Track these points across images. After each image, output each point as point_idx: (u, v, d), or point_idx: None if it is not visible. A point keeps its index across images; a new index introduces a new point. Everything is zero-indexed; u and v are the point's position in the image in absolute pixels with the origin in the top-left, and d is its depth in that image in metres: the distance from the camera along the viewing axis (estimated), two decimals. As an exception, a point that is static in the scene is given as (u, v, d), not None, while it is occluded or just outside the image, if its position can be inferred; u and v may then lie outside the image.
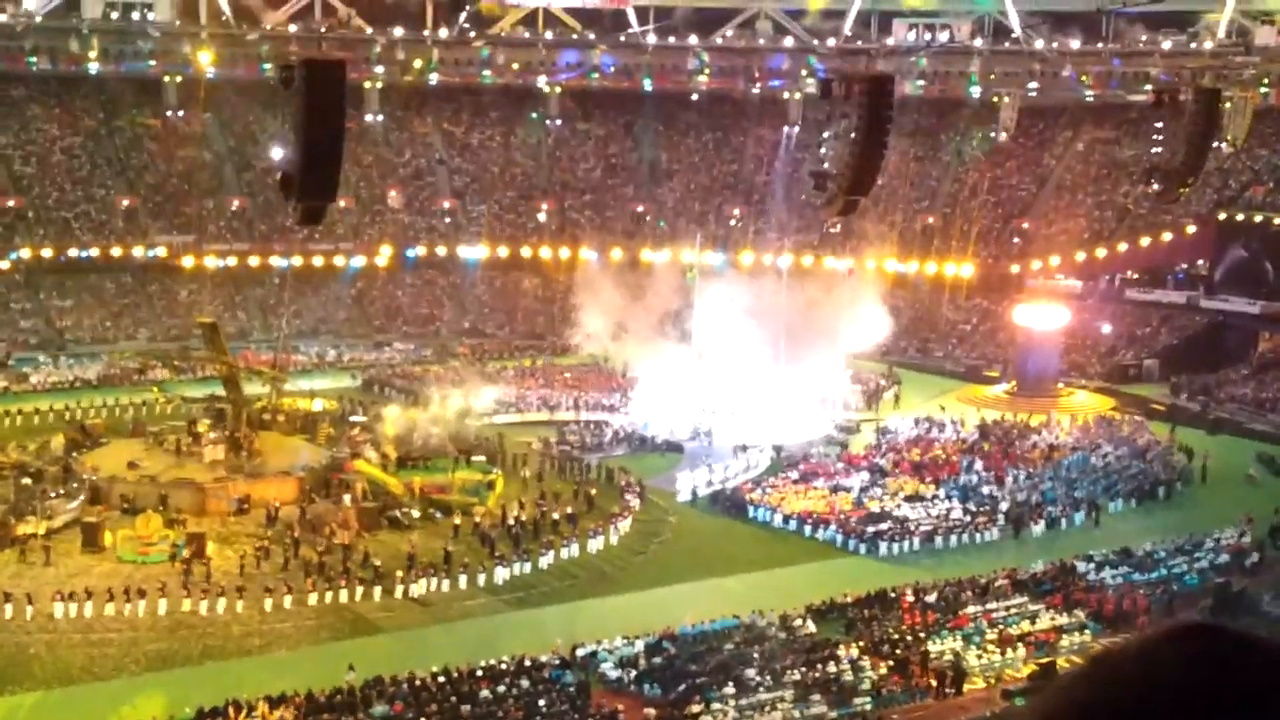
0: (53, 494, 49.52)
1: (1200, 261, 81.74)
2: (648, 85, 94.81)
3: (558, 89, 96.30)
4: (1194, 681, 2.17)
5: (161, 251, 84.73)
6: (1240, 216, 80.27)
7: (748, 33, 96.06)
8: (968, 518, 51.20)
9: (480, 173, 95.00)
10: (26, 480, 51.42)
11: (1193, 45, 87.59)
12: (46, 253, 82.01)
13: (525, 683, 35.36)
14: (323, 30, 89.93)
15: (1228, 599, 41.86)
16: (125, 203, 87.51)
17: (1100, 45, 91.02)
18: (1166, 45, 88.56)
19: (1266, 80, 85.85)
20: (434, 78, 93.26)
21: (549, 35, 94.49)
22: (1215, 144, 59.62)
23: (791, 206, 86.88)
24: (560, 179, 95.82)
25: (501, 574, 44.42)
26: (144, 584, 41.38)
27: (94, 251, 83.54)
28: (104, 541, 45.59)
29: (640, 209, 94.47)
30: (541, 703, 34.56)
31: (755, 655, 37.29)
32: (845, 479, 55.73)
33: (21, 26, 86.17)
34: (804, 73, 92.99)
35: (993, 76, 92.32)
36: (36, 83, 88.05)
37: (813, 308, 69.59)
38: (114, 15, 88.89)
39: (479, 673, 35.51)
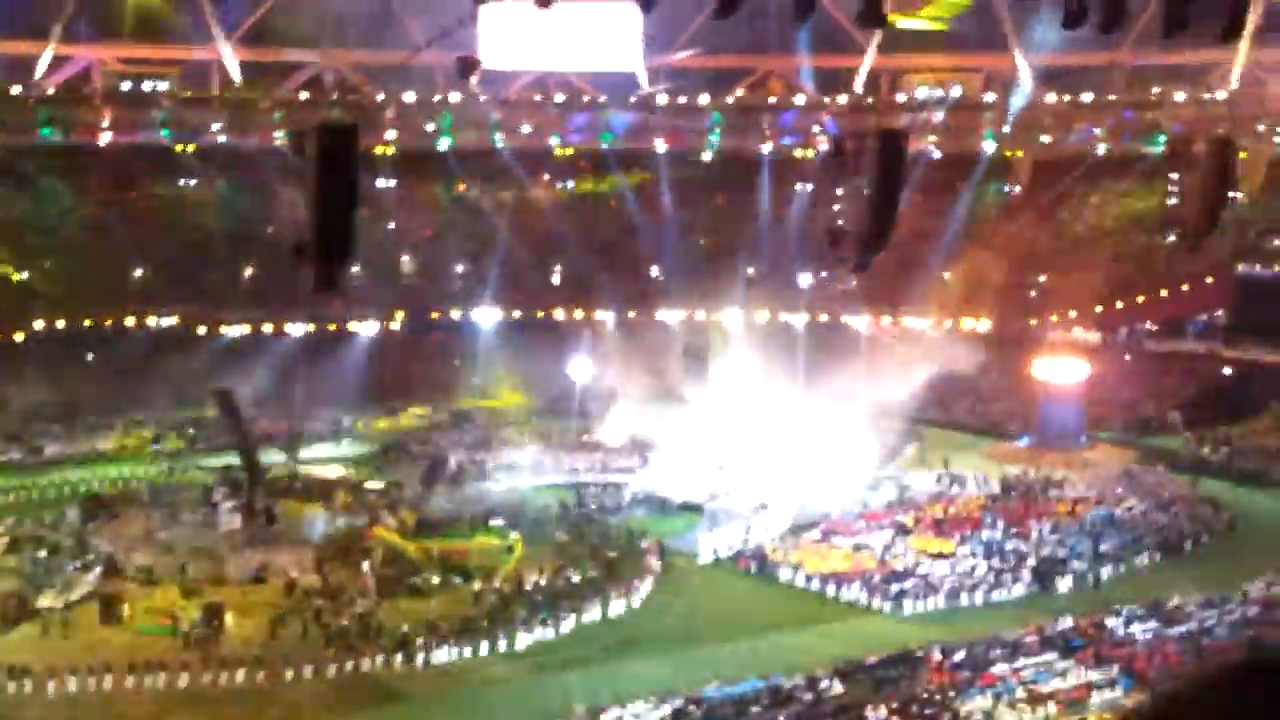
0: (70, 566, 49.15)
1: (1219, 312, 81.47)
2: (660, 146, 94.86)
3: (570, 150, 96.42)
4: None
5: (175, 321, 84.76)
6: (1258, 267, 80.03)
7: (759, 91, 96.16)
8: (993, 574, 50.67)
9: (493, 236, 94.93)
10: (43, 553, 51.12)
11: (1205, 96, 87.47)
12: (60, 324, 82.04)
13: (550, 750, 34.87)
14: (334, 97, 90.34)
15: (1261, 652, 41.16)
16: (138, 273, 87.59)
17: (1113, 98, 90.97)
18: (1180, 97, 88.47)
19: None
20: (445, 142, 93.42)
21: (560, 98, 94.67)
22: (1231, 195, 59.23)
23: (806, 264, 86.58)
24: (574, 240, 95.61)
25: (523, 639, 43.97)
26: (164, 656, 40.98)
27: (107, 322, 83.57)
28: (122, 613, 45.20)
29: (655, 269, 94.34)
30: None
31: (782, 718, 36.70)
32: (867, 537, 55.27)
33: (33, 98, 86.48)
34: (816, 130, 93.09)
35: (1006, 130, 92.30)
36: (48, 154, 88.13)
37: (831, 365, 69.28)
38: (125, 86, 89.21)
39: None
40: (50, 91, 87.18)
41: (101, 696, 38.78)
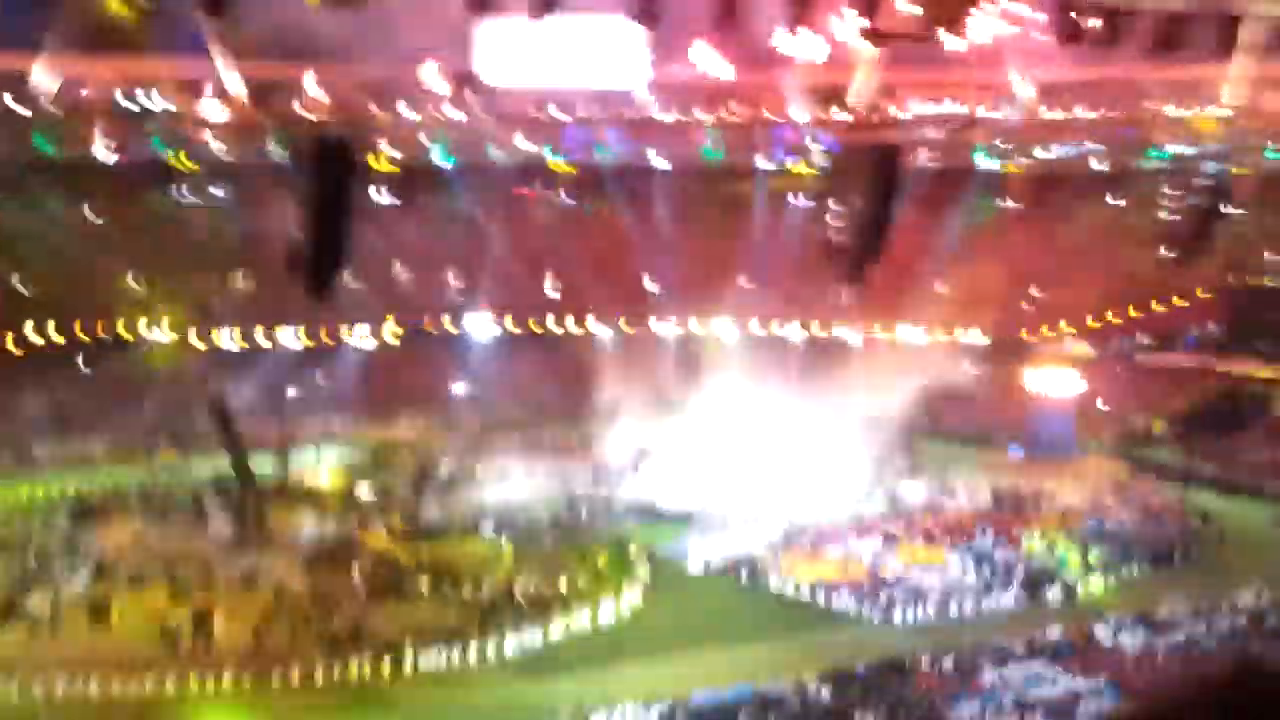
0: (59, 569, 49.10)
1: (1211, 326, 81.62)
2: (656, 160, 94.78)
3: (566, 165, 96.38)
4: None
5: (168, 331, 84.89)
6: (1251, 281, 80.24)
7: (754, 106, 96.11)
8: (983, 584, 50.65)
9: (488, 248, 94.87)
10: (33, 555, 51.13)
11: (1203, 112, 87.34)
12: (55, 335, 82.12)
13: (537, 753, 34.81)
14: (330, 112, 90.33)
15: (1248, 662, 41.12)
16: (132, 283, 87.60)
17: (1111, 113, 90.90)
18: (1177, 113, 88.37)
19: (1275, 146, 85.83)
20: (441, 154, 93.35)
21: (556, 112, 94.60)
22: (1226, 211, 59.59)
23: (800, 277, 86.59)
24: (568, 253, 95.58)
25: (511, 645, 43.94)
26: (151, 658, 40.94)
27: (102, 333, 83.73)
28: (111, 616, 45.18)
29: (649, 281, 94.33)
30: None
31: (770, 724, 36.67)
32: (857, 545, 55.27)
33: (29, 111, 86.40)
34: (811, 144, 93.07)
35: (1001, 144, 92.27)
36: (43, 167, 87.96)
37: (824, 376, 69.28)
38: (121, 98, 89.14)
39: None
40: (45, 105, 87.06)
41: (88, 698, 38.75)
